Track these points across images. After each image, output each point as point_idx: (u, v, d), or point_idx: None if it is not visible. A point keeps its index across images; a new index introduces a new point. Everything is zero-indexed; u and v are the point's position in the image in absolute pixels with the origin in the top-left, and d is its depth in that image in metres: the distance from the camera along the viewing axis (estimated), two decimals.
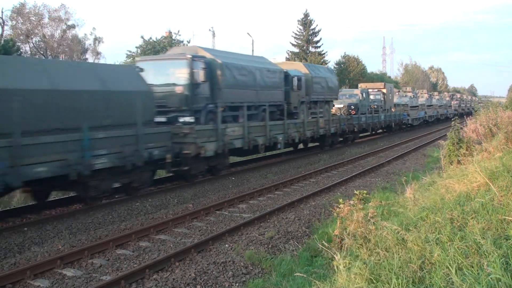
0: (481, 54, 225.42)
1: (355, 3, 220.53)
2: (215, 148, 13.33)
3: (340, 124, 22.44)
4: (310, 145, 22.78)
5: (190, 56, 13.86)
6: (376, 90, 31.18)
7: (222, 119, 14.01)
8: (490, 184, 5.90)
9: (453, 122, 11.36)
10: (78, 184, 9.66)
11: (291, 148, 21.15)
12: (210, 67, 14.31)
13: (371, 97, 29.42)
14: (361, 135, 27.83)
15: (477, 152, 9.50)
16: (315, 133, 20.00)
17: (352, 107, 26.42)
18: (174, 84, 13.66)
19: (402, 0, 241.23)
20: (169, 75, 13.89)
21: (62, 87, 9.41)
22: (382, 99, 30.84)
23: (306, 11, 51.43)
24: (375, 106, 29.09)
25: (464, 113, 47.72)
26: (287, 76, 18.78)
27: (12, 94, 8.17)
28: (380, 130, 31.82)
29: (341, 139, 24.12)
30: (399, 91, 40.10)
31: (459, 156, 10.17)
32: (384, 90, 31.76)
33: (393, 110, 33.11)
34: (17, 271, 6.54)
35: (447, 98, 52.25)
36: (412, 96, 38.28)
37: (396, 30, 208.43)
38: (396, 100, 35.33)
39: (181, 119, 13.00)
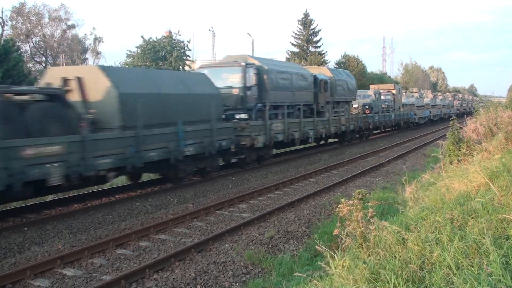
0: (481, 54, 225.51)
1: (355, 3, 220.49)
2: (264, 140, 15.91)
3: (357, 122, 24.90)
4: (330, 140, 25.02)
5: (244, 64, 16.56)
6: (386, 91, 33.73)
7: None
8: (490, 184, 5.90)
9: (451, 121, 11.36)
10: (172, 167, 12.08)
11: (312, 144, 23.05)
12: (258, 73, 17.03)
13: (382, 97, 31.65)
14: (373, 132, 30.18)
15: (477, 152, 9.50)
16: (338, 130, 22.50)
17: (367, 106, 28.80)
18: (231, 87, 16.25)
19: (403, 0, 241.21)
20: (227, 79, 16.41)
21: (164, 91, 12.02)
22: (392, 99, 33.27)
23: (306, 11, 51.46)
24: (386, 106, 31.58)
25: (466, 113, 48.83)
26: (315, 80, 21.33)
27: (137, 97, 10.81)
28: (389, 128, 33.82)
29: (358, 135, 26.50)
30: (406, 92, 42.63)
31: (459, 156, 10.17)
32: (394, 91, 34.28)
33: (401, 109, 35.28)
34: (17, 271, 6.55)
35: (450, 98, 54.26)
36: (418, 97, 41.23)
37: (396, 30, 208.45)
38: (404, 100, 37.80)
39: (237, 116, 15.78)
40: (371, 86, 35.67)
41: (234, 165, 16.49)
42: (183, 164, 12.33)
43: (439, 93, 55.44)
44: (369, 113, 28.01)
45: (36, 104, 9.33)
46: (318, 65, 43.20)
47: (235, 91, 16.27)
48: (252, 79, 16.55)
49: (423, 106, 40.35)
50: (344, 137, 24.10)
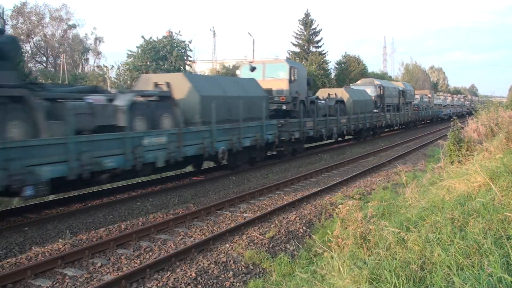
0: (481, 54, 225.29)
1: (355, 3, 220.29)
2: (299, 135, 18.28)
3: (413, 115, 37.86)
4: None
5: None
6: (425, 95, 47.17)
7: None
8: (491, 184, 5.90)
9: (452, 122, 11.35)
10: (232, 156, 14.32)
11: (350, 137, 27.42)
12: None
13: (425, 99, 45.05)
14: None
15: (478, 152, 9.49)
16: (401, 120, 33.80)
17: (416, 106, 40.06)
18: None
19: (403, 0, 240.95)
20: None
21: (229, 94, 14.46)
22: (428, 101, 46.63)
23: (307, 11, 51.40)
24: (425, 106, 44.22)
25: (473, 111, 54.82)
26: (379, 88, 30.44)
27: (212, 99, 13.16)
28: (428, 121, 46.93)
29: (412, 126, 38.70)
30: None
31: (460, 156, 10.16)
32: (429, 95, 48.44)
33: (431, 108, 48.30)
34: (18, 271, 6.55)
35: (462, 99, 68.65)
36: (443, 98, 56.70)
37: (396, 30, 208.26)
38: (434, 101, 50.63)
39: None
40: (415, 91, 45.94)
41: (271, 157, 18.74)
42: (240, 154, 14.81)
43: (455, 95, 69.81)
44: (418, 110, 39.91)
45: (155, 102, 11.96)
46: (319, 65, 43.53)
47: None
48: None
49: (447, 105, 53.87)
50: (408, 126, 37.22)
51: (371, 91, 28.72)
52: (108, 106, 10.22)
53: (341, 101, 23.23)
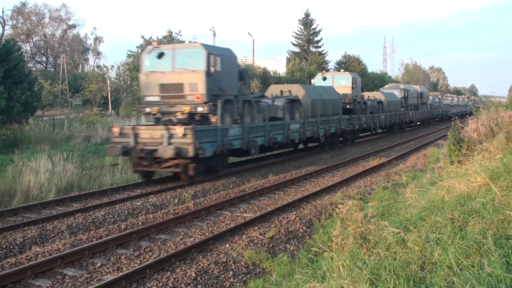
0: (481, 54, 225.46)
1: (355, 3, 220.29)
2: (358, 127, 24.90)
3: (428, 114, 43.07)
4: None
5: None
6: (436, 96, 51.39)
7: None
8: (491, 184, 5.90)
9: (452, 122, 11.34)
10: (325, 139, 20.97)
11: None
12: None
13: (436, 100, 49.66)
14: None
15: (478, 152, 9.48)
16: (419, 118, 39.83)
17: (429, 106, 44.40)
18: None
19: (403, 0, 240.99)
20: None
21: (324, 97, 21.02)
22: (439, 101, 51.08)
23: (307, 11, 51.43)
24: (436, 105, 48.80)
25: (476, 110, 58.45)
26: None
27: (317, 101, 19.88)
28: (438, 119, 51.72)
29: (426, 122, 43.99)
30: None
31: (460, 156, 10.15)
32: (440, 96, 53.06)
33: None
34: (18, 271, 6.54)
35: (466, 100, 73.07)
36: (452, 99, 62.27)
37: (396, 30, 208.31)
38: (444, 101, 56.39)
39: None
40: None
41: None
42: (327, 139, 21.20)
43: (460, 96, 75.80)
44: (430, 109, 44.86)
45: (291, 103, 18.35)
46: (319, 65, 43.56)
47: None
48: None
49: (453, 105, 59.32)
50: (424, 122, 42.86)
51: (397, 93, 33.93)
52: (273, 105, 17.18)
53: (381, 102, 29.60)
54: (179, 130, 11.97)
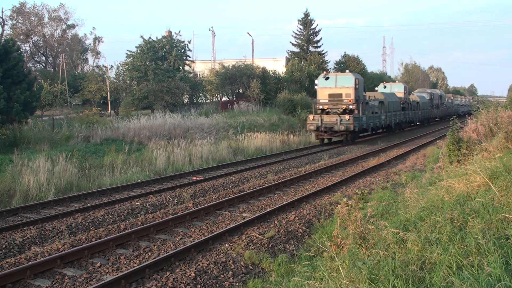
0: (480, 54, 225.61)
1: (356, 3, 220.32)
2: (406, 120, 34.86)
3: (444, 112, 50.41)
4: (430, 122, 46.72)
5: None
6: (449, 97, 59.36)
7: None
8: (491, 184, 5.90)
9: (451, 122, 11.34)
10: (396, 126, 32.73)
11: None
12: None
13: (448, 100, 57.36)
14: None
15: (477, 152, 9.48)
16: (440, 115, 49.56)
17: (445, 105, 51.44)
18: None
19: (403, 0, 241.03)
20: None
21: (389, 100, 30.98)
22: (451, 101, 59.07)
23: (306, 11, 51.30)
24: (449, 105, 55.43)
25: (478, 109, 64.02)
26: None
27: (387, 102, 30.45)
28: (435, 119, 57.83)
29: (443, 119, 50.69)
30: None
31: (459, 156, 10.15)
32: (452, 97, 62.69)
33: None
34: (17, 271, 6.54)
35: (471, 100, 77.91)
36: (460, 99, 70.82)
37: (396, 30, 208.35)
38: (454, 102, 64.55)
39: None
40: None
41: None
42: (395, 125, 31.99)
43: (465, 97, 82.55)
44: (446, 108, 51.38)
45: (381, 103, 28.81)
46: (318, 65, 43.53)
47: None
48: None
49: (462, 105, 67.13)
50: (441, 119, 49.95)
51: (425, 96, 43.58)
52: (373, 105, 27.09)
53: (417, 102, 39.33)
54: (348, 117, 23.90)
